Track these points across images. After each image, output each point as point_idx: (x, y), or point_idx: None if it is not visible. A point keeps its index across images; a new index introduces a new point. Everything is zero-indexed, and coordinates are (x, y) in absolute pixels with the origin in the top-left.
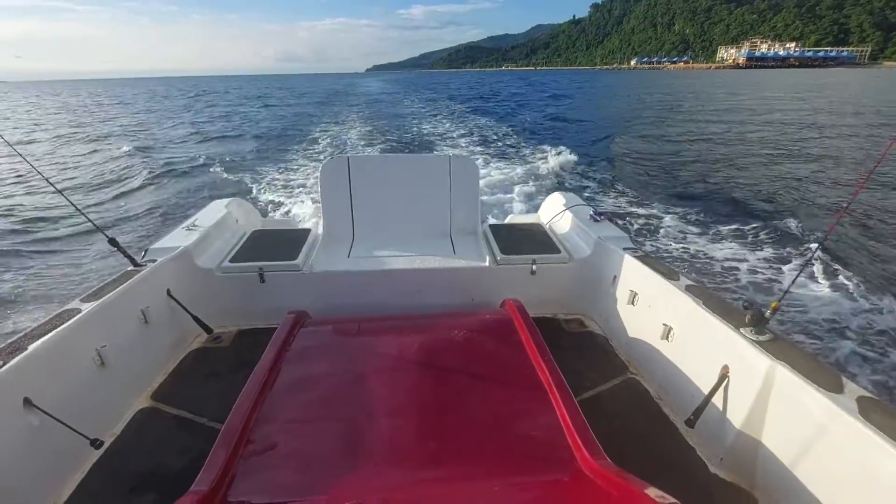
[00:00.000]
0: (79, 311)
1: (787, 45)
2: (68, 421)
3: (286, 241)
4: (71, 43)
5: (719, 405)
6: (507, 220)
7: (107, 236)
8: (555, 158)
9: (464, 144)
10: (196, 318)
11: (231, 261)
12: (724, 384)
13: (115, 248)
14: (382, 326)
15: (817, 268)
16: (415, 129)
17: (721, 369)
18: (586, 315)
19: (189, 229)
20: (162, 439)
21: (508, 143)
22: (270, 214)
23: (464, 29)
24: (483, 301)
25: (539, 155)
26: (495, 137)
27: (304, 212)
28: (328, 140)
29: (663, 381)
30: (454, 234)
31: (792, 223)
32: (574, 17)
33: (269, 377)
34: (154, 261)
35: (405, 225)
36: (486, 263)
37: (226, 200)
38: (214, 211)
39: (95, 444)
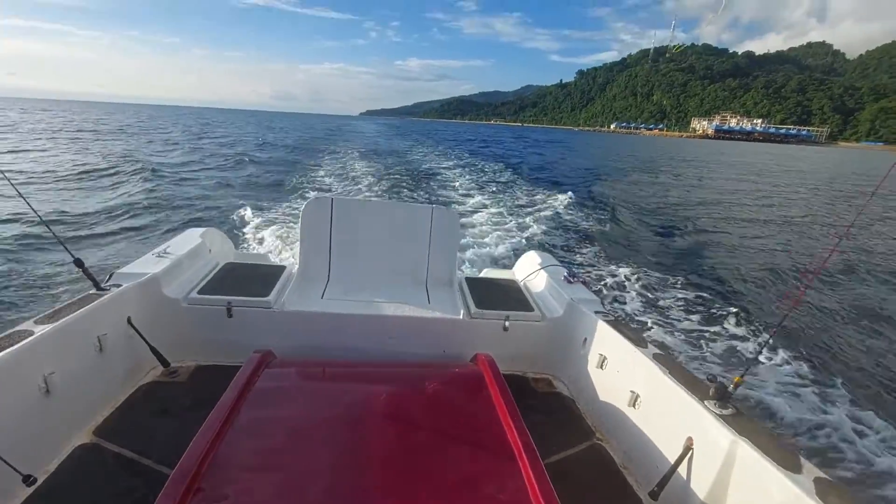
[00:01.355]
0: (31, 333)
1: (755, 121)
2: (3, 452)
3: (259, 277)
4: (67, 64)
5: (683, 477)
6: (482, 274)
7: (73, 256)
8: (537, 216)
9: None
10: (154, 350)
11: (199, 292)
12: (688, 456)
13: (81, 269)
14: (351, 373)
15: (779, 343)
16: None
17: (686, 441)
18: (555, 376)
19: (160, 256)
20: (101, 480)
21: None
22: (252, 248)
23: (457, 83)
24: (455, 353)
25: (523, 211)
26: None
27: (280, 248)
28: (314, 177)
29: (629, 448)
30: (430, 283)
31: (756, 298)
32: (561, 81)
33: (228, 419)
34: (119, 286)
35: (382, 271)
36: (461, 316)
37: (201, 229)
38: (188, 239)
39: (28, 480)
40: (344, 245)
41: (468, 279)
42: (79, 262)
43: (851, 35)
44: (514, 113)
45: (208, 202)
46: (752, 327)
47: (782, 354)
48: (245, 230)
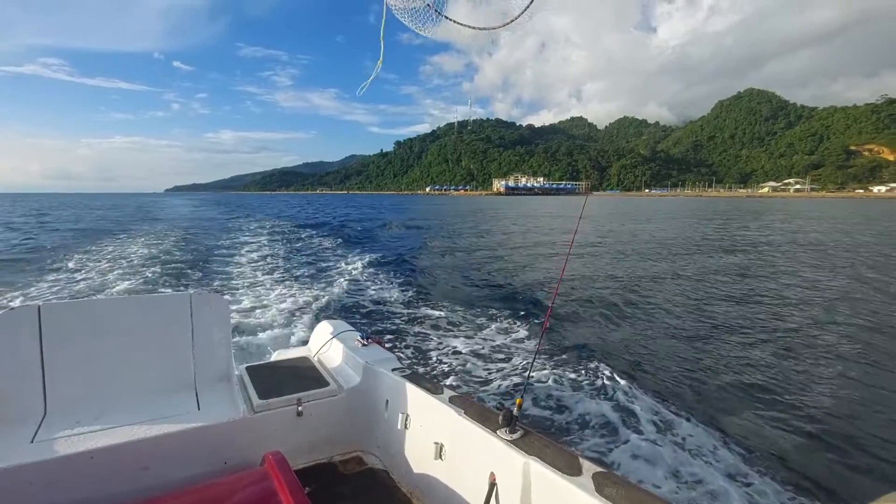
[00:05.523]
0: None
1: (539, 179)
2: None
3: None
4: None
5: None
6: (272, 358)
7: None
8: (335, 282)
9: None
10: None
11: None
12: (493, 492)
13: None
14: None
15: (544, 357)
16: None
17: (489, 477)
18: (364, 450)
19: None
20: None
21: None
22: None
23: (278, 155)
24: (239, 462)
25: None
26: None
27: None
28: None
29: (444, 503)
30: (199, 384)
31: (522, 321)
32: (382, 150)
33: None
34: None
35: (130, 383)
36: (241, 414)
37: None
38: None
39: None
40: (65, 363)
41: (250, 368)
42: None
43: (598, 111)
44: (341, 182)
45: None
46: (522, 346)
47: (550, 366)
48: None
